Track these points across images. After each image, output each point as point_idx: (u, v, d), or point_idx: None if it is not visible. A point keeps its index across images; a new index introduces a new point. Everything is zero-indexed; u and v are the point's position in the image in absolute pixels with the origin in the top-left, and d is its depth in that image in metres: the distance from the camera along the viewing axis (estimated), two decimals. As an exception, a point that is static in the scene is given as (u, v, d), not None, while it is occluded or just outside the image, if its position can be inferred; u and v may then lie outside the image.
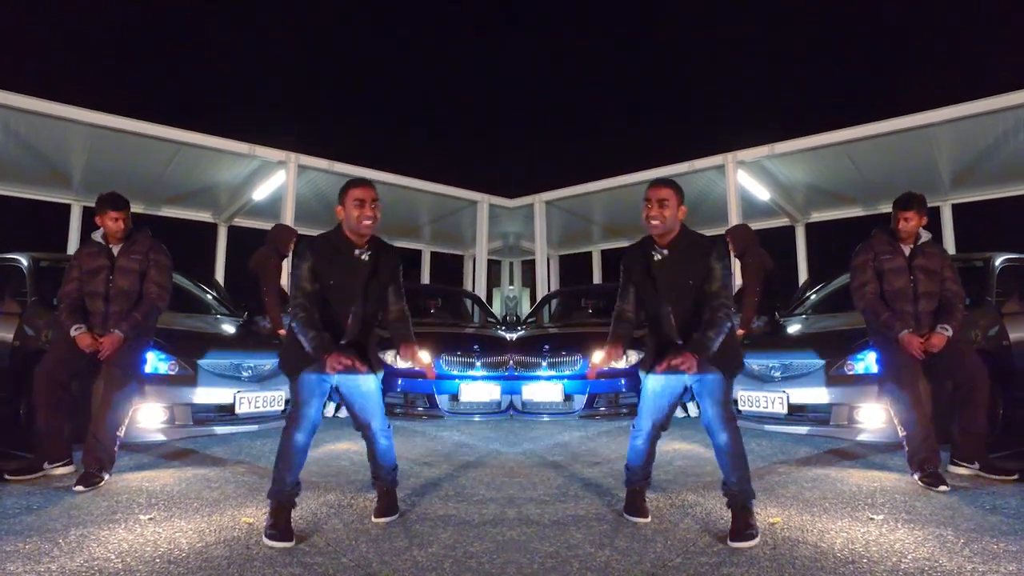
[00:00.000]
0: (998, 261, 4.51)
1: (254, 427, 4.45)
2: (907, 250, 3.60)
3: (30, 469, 3.31)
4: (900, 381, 3.40)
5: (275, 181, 8.74)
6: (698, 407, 2.75)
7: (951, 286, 3.52)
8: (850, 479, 3.37)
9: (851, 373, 3.86)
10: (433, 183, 9.91)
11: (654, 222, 2.63)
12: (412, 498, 3.09)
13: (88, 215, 8.70)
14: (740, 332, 5.16)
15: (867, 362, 3.82)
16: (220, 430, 4.31)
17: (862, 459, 3.81)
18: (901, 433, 3.35)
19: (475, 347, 5.53)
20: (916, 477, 3.21)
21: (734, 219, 8.51)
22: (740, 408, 4.23)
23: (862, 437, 3.73)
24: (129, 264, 3.49)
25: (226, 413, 4.23)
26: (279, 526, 2.46)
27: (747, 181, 8.93)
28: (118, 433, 3.35)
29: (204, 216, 10.48)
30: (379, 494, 2.83)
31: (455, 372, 5.37)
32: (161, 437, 4.02)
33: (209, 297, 5.83)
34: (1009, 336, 3.97)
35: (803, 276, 10.55)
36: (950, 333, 3.36)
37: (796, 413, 3.96)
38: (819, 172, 8.92)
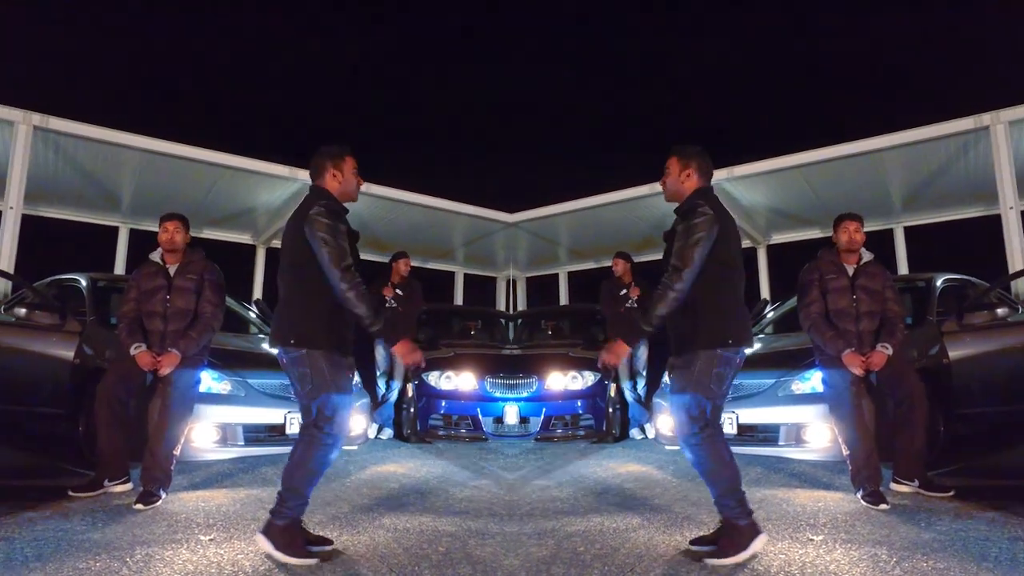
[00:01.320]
0: (939, 281, 4.63)
1: None
2: (851, 270, 3.67)
3: (92, 486, 3.39)
4: (843, 400, 3.44)
5: None
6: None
7: (892, 306, 3.59)
8: (796, 499, 3.38)
9: (798, 392, 3.90)
10: (465, 204, 9.88)
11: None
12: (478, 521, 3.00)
13: (135, 237, 9.33)
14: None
15: (814, 381, 3.86)
16: (270, 450, 4.24)
17: (811, 479, 3.82)
18: (845, 452, 3.38)
19: (514, 369, 5.51)
20: (859, 496, 3.24)
21: (695, 241, 8.62)
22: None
23: (809, 456, 3.76)
24: (185, 284, 3.56)
25: (276, 433, 4.20)
26: (312, 539, 2.52)
27: (708, 203, 9.07)
28: (174, 452, 3.39)
29: (244, 238, 10.57)
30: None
31: (498, 394, 5.32)
32: (213, 456, 4.02)
33: (252, 316, 5.91)
34: (949, 354, 4.05)
35: (765, 297, 10.75)
36: (890, 351, 3.42)
37: (746, 433, 3.97)
38: (779, 195, 9.12)
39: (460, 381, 5.42)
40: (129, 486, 3.49)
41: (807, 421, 3.75)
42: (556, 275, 13.83)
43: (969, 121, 6.94)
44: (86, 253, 9.93)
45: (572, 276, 13.69)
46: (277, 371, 4.29)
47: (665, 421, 4.53)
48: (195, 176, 7.91)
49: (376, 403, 5.90)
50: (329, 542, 2.60)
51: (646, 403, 5.79)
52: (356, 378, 4.91)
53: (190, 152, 7.37)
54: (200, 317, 3.55)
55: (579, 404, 5.33)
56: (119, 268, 8.97)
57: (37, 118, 6.38)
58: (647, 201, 9.10)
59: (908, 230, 9.84)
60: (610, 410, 5.35)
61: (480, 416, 5.27)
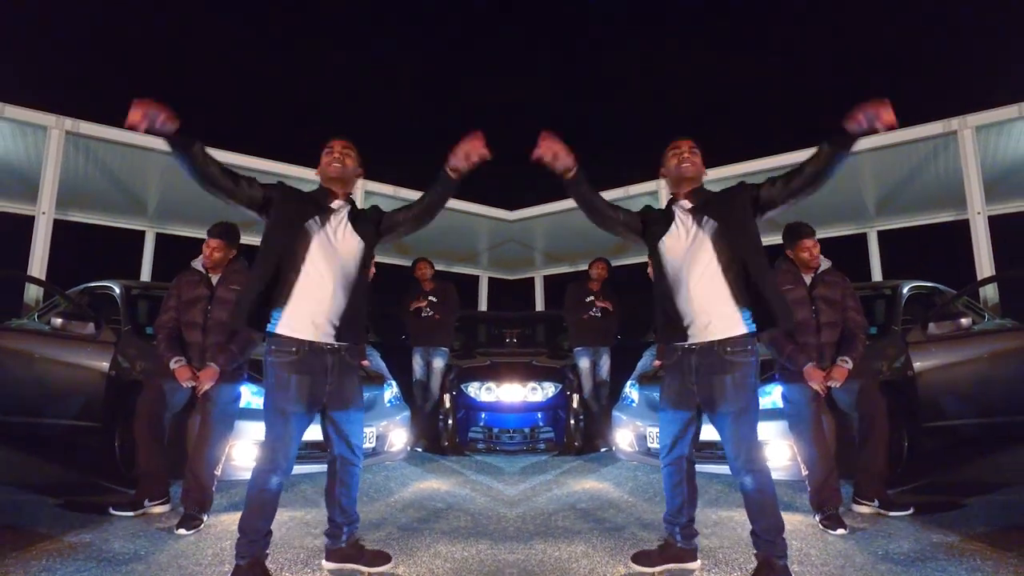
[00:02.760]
0: (905, 289, 4.50)
1: None
2: (808, 279, 3.52)
3: (132, 506, 3.25)
4: (803, 416, 3.29)
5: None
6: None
7: (853, 315, 3.45)
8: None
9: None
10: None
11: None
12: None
13: (160, 241, 9.49)
14: (657, 363, 5.02)
15: (774, 396, 3.70)
16: (312, 468, 3.94)
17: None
18: (804, 472, 3.22)
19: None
20: (817, 519, 3.08)
21: (667, 245, 8.49)
22: (649, 445, 4.05)
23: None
24: (227, 295, 3.38)
25: (317, 450, 3.85)
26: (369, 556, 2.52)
27: (680, 207, 8.95)
28: (215, 472, 3.24)
29: None
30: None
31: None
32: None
33: None
34: (913, 366, 3.92)
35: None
36: (850, 366, 3.27)
37: (705, 450, 3.79)
38: (750, 199, 9.02)
39: (501, 392, 5.20)
40: (169, 507, 3.35)
41: (766, 438, 3.58)
42: (531, 279, 13.66)
43: (938, 126, 6.87)
44: (112, 258, 10.04)
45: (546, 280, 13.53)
46: None
47: (624, 435, 4.34)
48: None
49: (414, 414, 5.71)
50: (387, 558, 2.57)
51: (606, 414, 5.63)
52: (395, 389, 4.70)
53: (226, 157, 7.25)
54: (240, 331, 3.31)
55: (539, 416, 5.13)
56: (145, 272, 9.14)
57: (69, 123, 6.41)
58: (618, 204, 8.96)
59: (882, 234, 9.83)
60: (572, 422, 5.17)
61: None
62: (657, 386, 4.26)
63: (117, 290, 4.66)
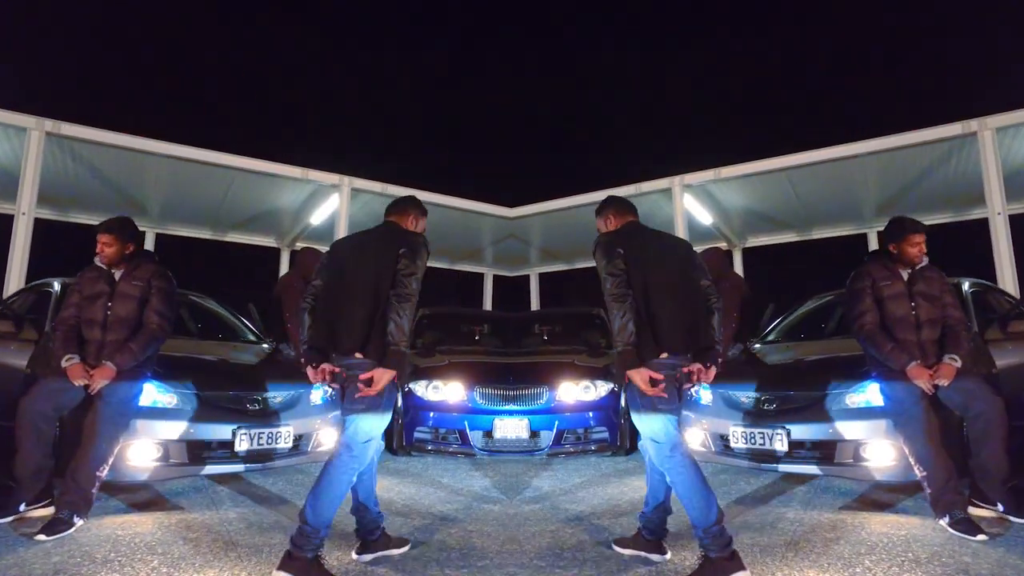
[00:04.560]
0: (967, 286, 4.46)
1: (257, 465, 3.95)
2: (906, 275, 3.40)
3: (3, 510, 3.04)
4: (912, 416, 3.16)
5: (331, 205, 8.66)
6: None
7: (953, 312, 3.35)
8: (870, 525, 3.07)
9: (853, 406, 3.60)
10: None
11: None
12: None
13: (161, 242, 9.74)
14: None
15: (868, 394, 3.58)
16: (217, 469, 3.82)
17: (869, 501, 3.54)
18: (920, 473, 3.08)
19: (511, 378, 4.99)
20: (944, 523, 2.94)
21: (682, 242, 8.40)
22: (732, 446, 3.88)
23: (871, 476, 3.46)
24: (129, 290, 3.31)
25: (225, 451, 3.76)
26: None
27: (691, 205, 8.89)
28: (99, 473, 3.07)
29: (268, 241, 10.60)
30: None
31: (489, 406, 4.87)
32: (152, 476, 3.64)
33: (240, 324, 5.53)
34: (996, 363, 3.86)
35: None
36: (959, 363, 3.17)
37: (797, 450, 3.65)
38: (760, 197, 9.03)
39: (448, 392, 4.98)
40: (52, 511, 3.07)
41: (867, 438, 3.45)
42: (527, 276, 13.44)
43: (957, 127, 6.96)
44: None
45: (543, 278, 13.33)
46: (235, 381, 4.11)
47: (695, 435, 4.17)
48: (209, 179, 7.93)
49: None
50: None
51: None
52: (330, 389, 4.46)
53: (201, 155, 7.32)
54: (144, 327, 3.30)
55: (590, 416, 4.91)
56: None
57: (49, 124, 6.39)
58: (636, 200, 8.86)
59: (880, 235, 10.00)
60: (621, 421, 4.98)
61: (468, 430, 4.81)
62: (731, 384, 4.14)
63: (56, 287, 4.47)
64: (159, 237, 9.87)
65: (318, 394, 4.29)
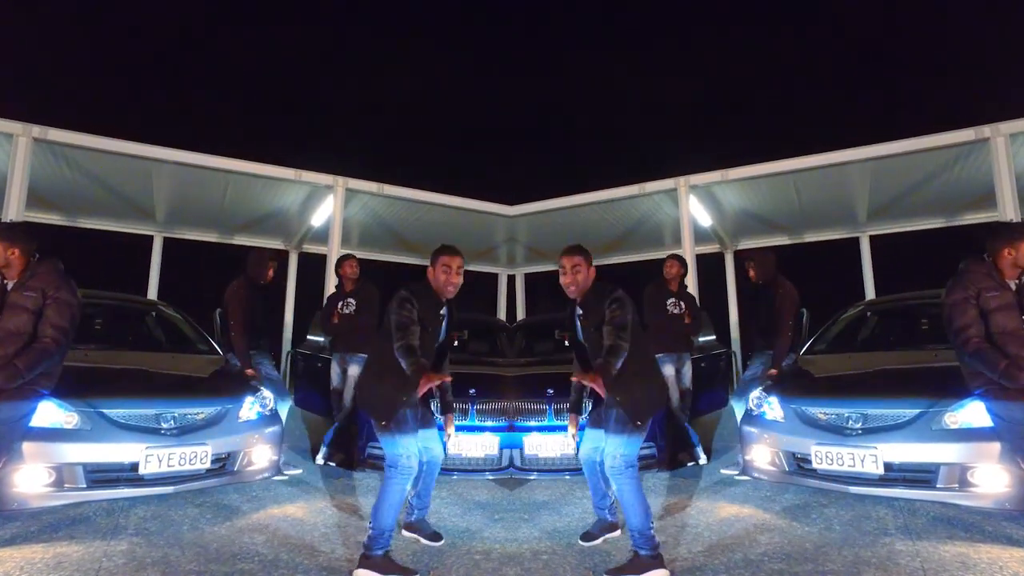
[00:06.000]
0: None
1: (168, 489, 3.62)
2: (1013, 285, 3.16)
3: None
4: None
5: (328, 206, 8.37)
6: None
7: (1065, 323, 3.12)
8: (1001, 560, 2.79)
9: (954, 426, 3.33)
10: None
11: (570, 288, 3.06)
12: None
13: (167, 246, 9.75)
14: (772, 372, 4.58)
15: (971, 413, 3.31)
16: (119, 493, 3.54)
17: (976, 529, 3.25)
18: (1048, 501, 2.83)
19: (471, 391, 4.46)
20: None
21: (688, 244, 8.17)
22: (815, 466, 3.56)
23: (977, 503, 3.19)
24: (21, 301, 3.05)
25: (131, 473, 3.50)
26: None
27: (693, 206, 8.67)
28: None
29: (276, 244, 10.54)
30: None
31: (524, 423, 4.42)
32: (42, 503, 3.36)
33: (198, 334, 5.29)
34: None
35: (733, 304, 10.56)
36: (1084, 381, 2.93)
37: (890, 473, 3.36)
38: (762, 200, 8.88)
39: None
40: None
41: (973, 461, 3.19)
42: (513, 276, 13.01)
43: (970, 132, 6.91)
44: (127, 264, 10.54)
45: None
46: (149, 397, 3.81)
47: (762, 453, 3.85)
48: (206, 183, 7.87)
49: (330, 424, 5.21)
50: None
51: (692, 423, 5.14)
52: (266, 401, 4.25)
53: (192, 158, 7.19)
54: (36, 342, 3.02)
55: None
56: (154, 276, 9.51)
57: (37, 130, 6.31)
58: (630, 202, 8.60)
59: (872, 239, 10.03)
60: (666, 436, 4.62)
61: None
62: (804, 399, 3.84)
63: None
64: (167, 241, 9.83)
65: (250, 410, 4.04)
